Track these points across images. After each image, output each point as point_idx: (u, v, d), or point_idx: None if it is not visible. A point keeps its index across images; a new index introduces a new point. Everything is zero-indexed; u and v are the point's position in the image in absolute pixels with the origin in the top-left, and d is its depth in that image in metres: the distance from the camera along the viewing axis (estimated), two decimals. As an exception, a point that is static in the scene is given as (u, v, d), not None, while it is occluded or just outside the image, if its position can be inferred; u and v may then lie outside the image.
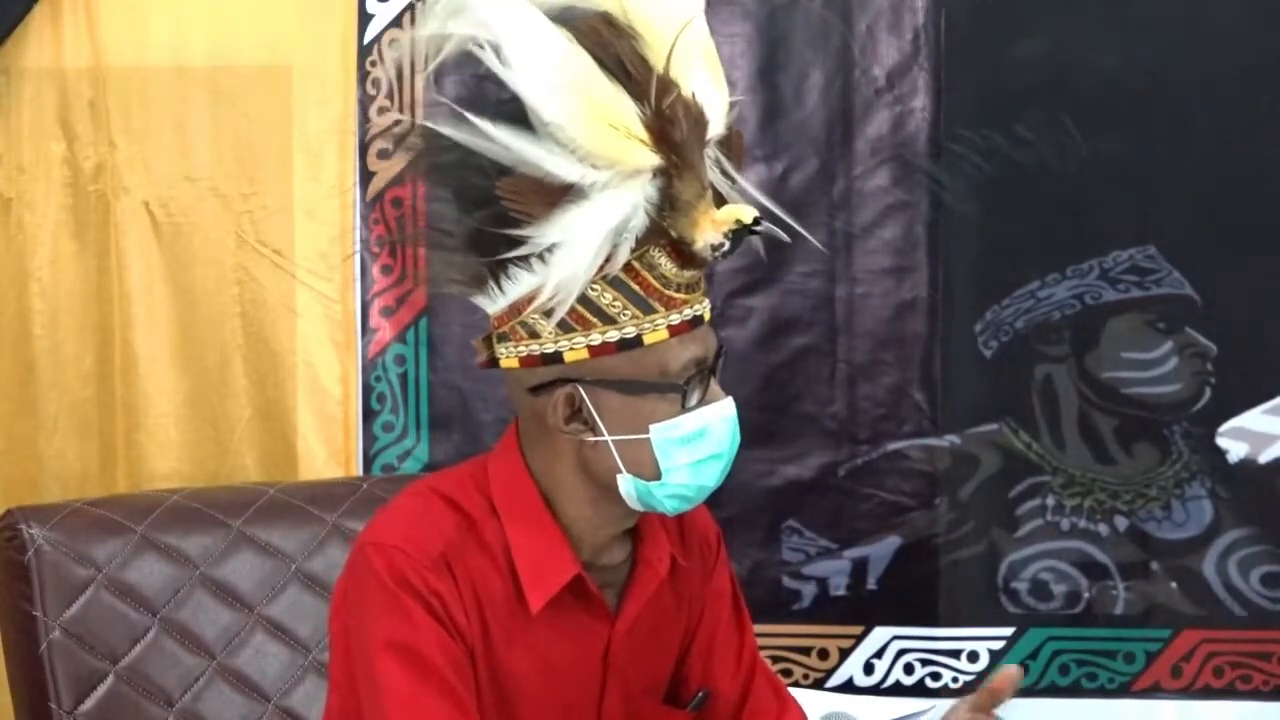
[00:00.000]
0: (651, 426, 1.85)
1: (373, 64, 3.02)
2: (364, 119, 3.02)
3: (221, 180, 3.02)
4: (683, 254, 1.84)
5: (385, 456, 3.07)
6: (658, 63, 1.82)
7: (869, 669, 3.12)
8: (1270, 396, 3.07)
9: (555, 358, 1.85)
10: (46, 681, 2.34)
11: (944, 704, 1.81)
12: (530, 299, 1.83)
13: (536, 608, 1.89)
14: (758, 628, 2.10)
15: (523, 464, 1.92)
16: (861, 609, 3.11)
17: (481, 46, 1.81)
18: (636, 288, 1.83)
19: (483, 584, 1.89)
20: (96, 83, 2.98)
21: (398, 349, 3.06)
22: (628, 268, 1.83)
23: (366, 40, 3.02)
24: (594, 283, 1.83)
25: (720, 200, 1.87)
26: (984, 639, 3.11)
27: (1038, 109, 3.04)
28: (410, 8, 3.02)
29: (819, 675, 3.12)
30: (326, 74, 3.02)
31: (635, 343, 1.84)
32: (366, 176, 3.03)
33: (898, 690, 3.11)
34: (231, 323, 3.03)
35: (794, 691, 2.14)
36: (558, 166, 1.79)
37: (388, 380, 3.06)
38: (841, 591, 3.11)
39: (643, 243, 1.82)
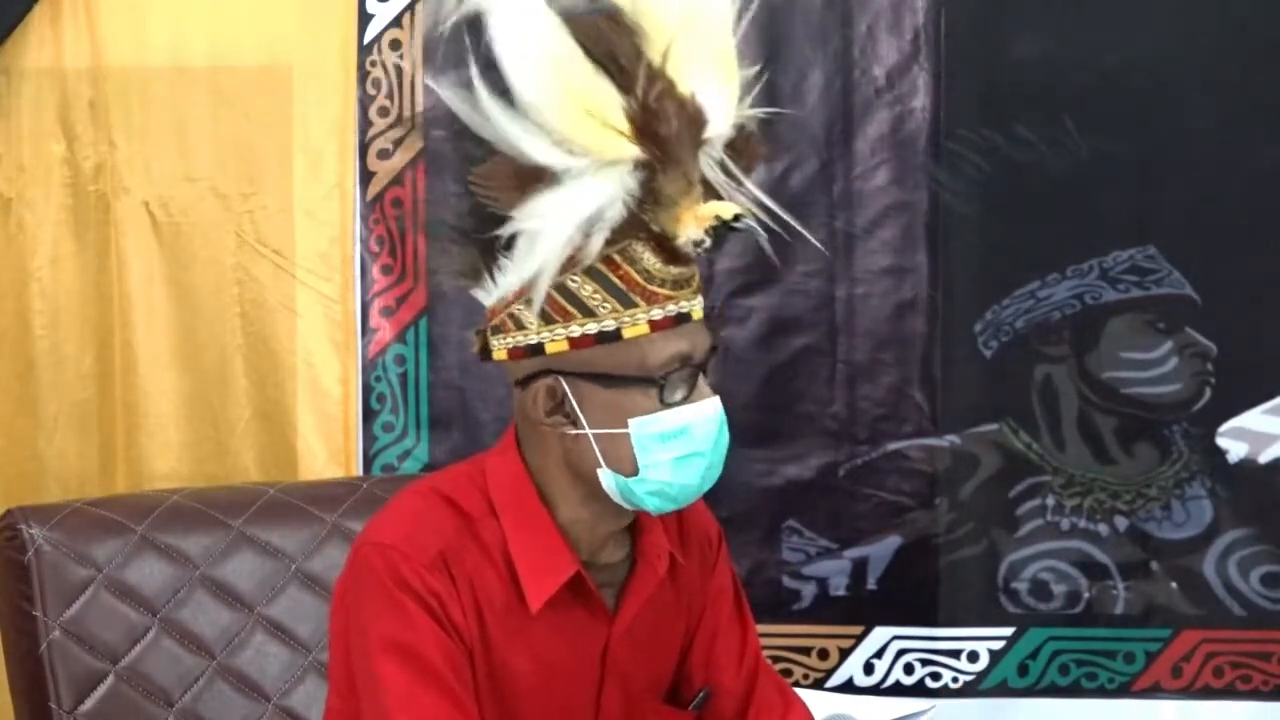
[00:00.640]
0: (630, 421, 1.84)
1: (373, 64, 3.02)
2: (364, 119, 3.02)
3: (221, 180, 3.02)
4: (666, 249, 1.83)
5: (385, 456, 3.07)
6: (655, 57, 1.82)
7: (869, 669, 3.12)
8: (1270, 396, 3.07)
9: (538, 349, 1.86)
10: (46, 681, 2.34)
11: (944, 704, 1.81)
12: (517, 291, 1.84)
13: (536, 607, 1.89)
14: (757, 628, 2.10)
15: (520, 463, 1.92)
16: (861, 609, 3.11)
17: (478, 19, 1.82)
18: (617, 281, 1.83)
19: (481, 583, 1.89)
20: (96, 83, 2.98)
21: (398, 349, 3.06)
22: (608, 260, 1.83)
23: (366, 40, 3.02)
24: (574, 274, 1.83)
25: (717, 199, 1.86)
26: (984, 639, 3.11)
27: (1038, 109, 3.04)
28: (410, 7, 3.02)
29: (819, 675, 3.12)
30: (326, 74, 3.02)
31: (614, 336, 1.84)
32: (366, 176, 3.03)
33: (898, 690, 3.11)
34: (231, 323, 3.03)
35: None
36: (533, 148, 1.80)
37: (388, 380, 3.06)
38: (841, 591, 3.11)
39: (622, 235, 1.82)
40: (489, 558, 1.89)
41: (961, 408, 3.09)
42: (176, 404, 3.03)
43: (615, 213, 1.81)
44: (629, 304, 1.83)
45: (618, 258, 1.83)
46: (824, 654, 3.12)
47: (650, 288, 1.84)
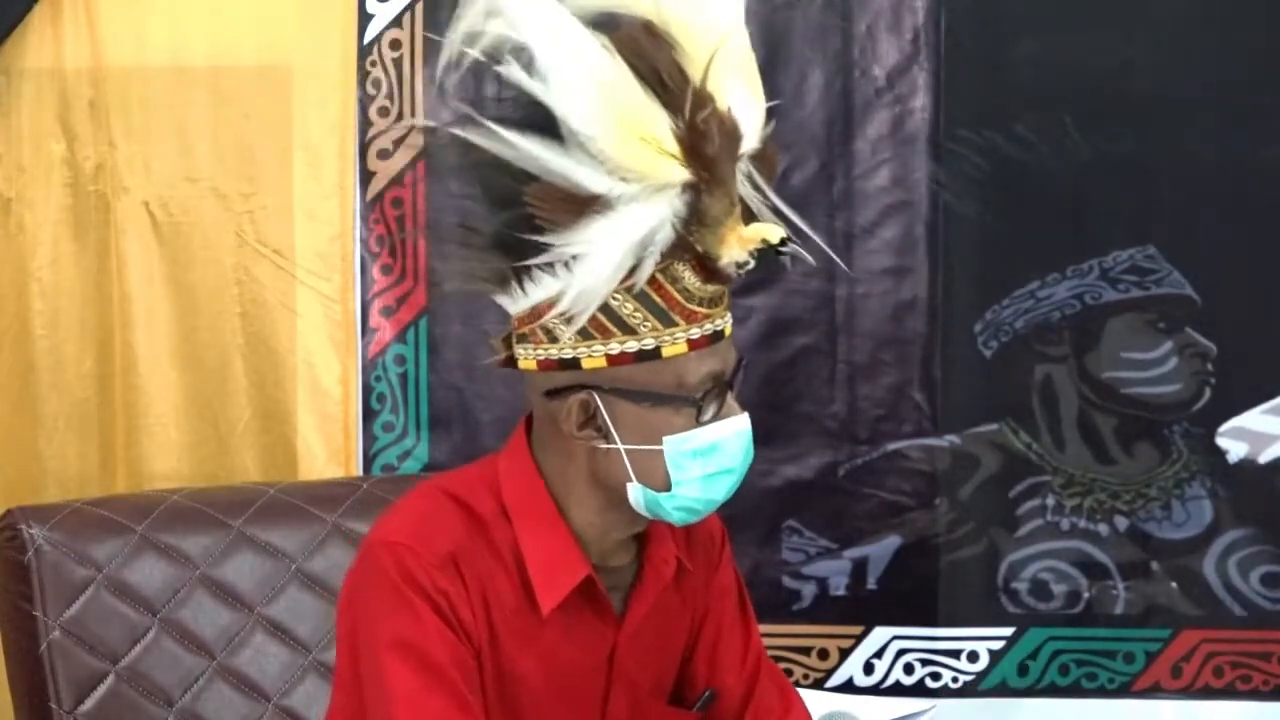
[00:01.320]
0: (665, 438, 1.84)
1: (373, 64, 3.02)
2: (364, 119, 3.02)
3: (221, 180, 3.02)
4: (707, 268, 1.83)
5: (385, 456, 3.07)
6: (695, 74, 1.80)
7: (869, 669, 3.12)
8: (1270, 396, 3.07)
9: (573, 363, 1.85)
10: (46, 681, 2.34)
11: (944, 704, 1.81)
12: (551, 303, 1.82)
13: (548, 609, 1.89)
14: (758, 627, 2.10)
15: (533, 466, 1.91)
16: (861, 609, 3.11)
17: (512, 49, 1.79)
18: (658, 300, 1.82)
19: (491, 585, 1.88)
20: (96, 83, 2.98)
21: (398, 349, 3.06)
22: (651, 280, 1.81)
23: (366, 40, 3.02)
24: (616, 293, 1.82)
25: (749, 214, 1.85)
26: (984, 639, 3.11)
27: (1038, 109, 3.04)
28: (410, 8, 3.02)
29: (819, 675, 3.12)
30: (326, 74, 3.02)
31: (654, 354, 1.83)
32: (366, 176, 3.03)
33: (898, 690, 3.11)
34: (231, 323, 3.03)
35: (793, 691, 2.14)
36: (585, 178, 1.78)
37: (388, 380, 3.06)
38: (841, 591, 3.11)
39: (668, 256, 1.81)
40: (499, 559, 1.89)
41: (961, 408, 3.09)
42: (176, 404, 3.03)
43: (665, 236, 1.80)
44: (669, 323, 1.83)
45: (660, 277, 1.82)
46: (824, 654, 3.12)
47: (689, 306, 1.83)
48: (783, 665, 3.08)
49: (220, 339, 3.03)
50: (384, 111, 3.02)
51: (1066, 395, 3.10)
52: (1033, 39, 3.04)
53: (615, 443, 1.85)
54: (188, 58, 3.00)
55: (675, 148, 1.79)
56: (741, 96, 1.84)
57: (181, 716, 2.41)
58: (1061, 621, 3.11)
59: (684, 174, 1.79)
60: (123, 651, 2.39)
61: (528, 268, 1.82)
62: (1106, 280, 3.07)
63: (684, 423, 1.84)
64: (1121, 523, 3.10)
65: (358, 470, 3.05)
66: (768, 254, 1.83)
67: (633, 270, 1.80)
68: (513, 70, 1.79)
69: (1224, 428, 3.09)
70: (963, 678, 3.11)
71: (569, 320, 1.82)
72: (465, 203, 1.94)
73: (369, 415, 3.06)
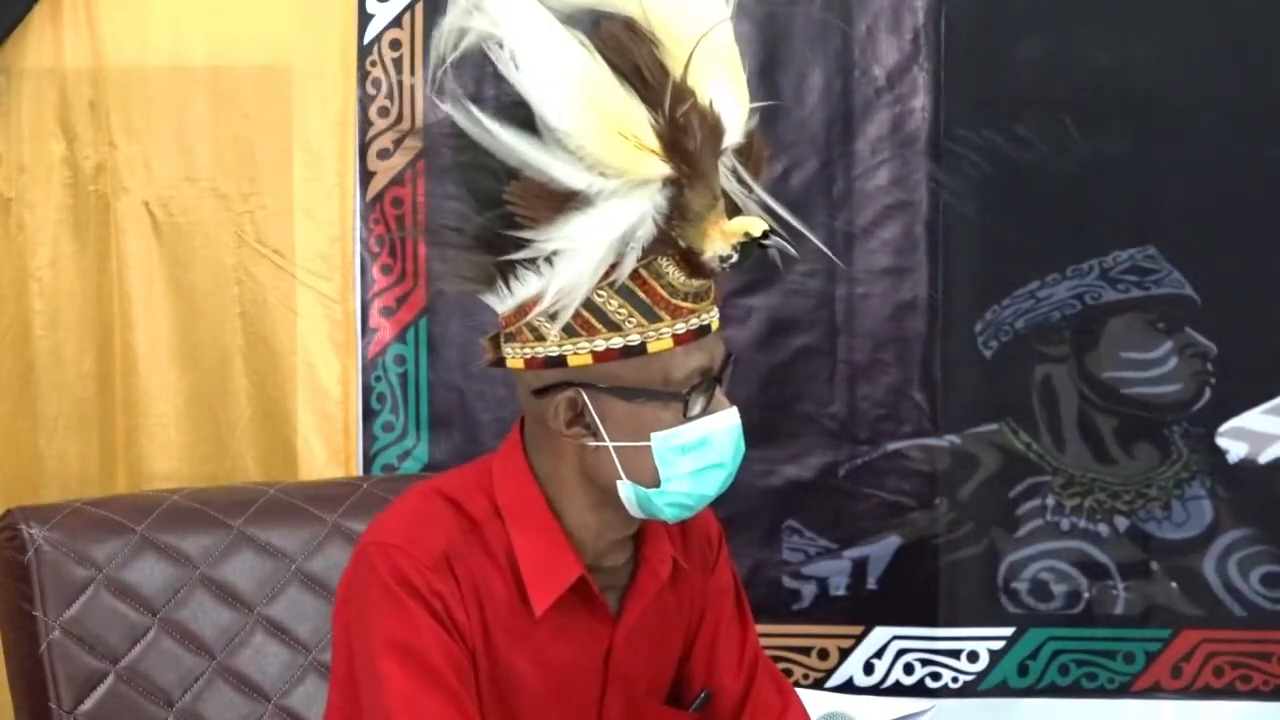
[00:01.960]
0: (653, 434, 1.84)
1: (373, 64, 3.02)
2: (364, 119, 3.02)
3: (221, 180, 3.02)
4: (691, 263, 1.83)
5: (385, 456, 3.07)
6: (676, 69, 1.80)
7: (869, 669, 3.12)
8: (1270, 396, 3.07)
9: (559, 361, 1.85)
10: (46, 681, 2.34)
11: (944, 704, 1.81)
12: (535, 301, 1.82)
13: (541, 610, 1.89)
14: (758, 627, 2.10)
15: (527, 466, 1.91)
16: (861, 609, 3.11)
17: (497, 46, 1.79)
18: (643, 295, 1.83)
19: (485, 585, 1.89)
20: (96, 83, 2.98)
21: (398, 349, 3.06)
22: (635, 275, 1.82)
23: (366, 40, 3.02)
24: (600, 289, 1.82)
25: (734, 209, 1.85)
26: (984, 639, 3.11)
27: (1038, 109, 3.04)
28: (410, 8, 3.02)
29: (819, 675, 3.12)
30: (326, 74, 3.02)
31: (639, 350, 1.83)
32: (366, 176, 3.03)
33: (898, 690, 3.11)
34: (231, 323, 3.03)
35: (793, 691, 2.14)
36: (564, 174, 1.78)
37: (388, 380, 3.06)
38: (841, 591, 3.11)
39: (650, 251, 1.81)
40: (493, 560, 1.89)
41: (961, 408, 3.09)
42: (176, 404, 3.03)
43: (646, 231, 1.80)
44: (654, 318, 1.83)
45: (644, 272, 1.82)
46: (824, 654, 3.12)
47: (674, 301, 1.83)
48: (782, 665, 3.08)
49: (220, 339, 3.03)
50: (384, 111, 3.02)
51: (1066, 395, 3.10)
52: (1033, 39, 3.04)
53: (604, 440, 1.85)
54: (188, 58, 3.00)
55: (655, 143, 1.79)
56: (725, 91, 1.84)
57: (181, 716, 2.41)
58: (1061, 621, 3.11)
59: (664, 169, 1.79)
60: (123, 651, 2.39)
61: (512, 266, 1.83)
62: (1106, 280, 3.07)
63: (671, 418, 1.84)
64: (1121, 523, 3.10)
65: (358, 470, 3.05)
66: (751, 248, 1.82)
67: (614, 266, 1.80)
68: (499, 59, 1.79)
69: (1224, 428, 3.08)
70: (963, 678, 3.11)
71: (553, 317, 1.82)
72: (447, 202, 1.94)
73: (369, 415, 3.06)
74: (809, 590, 3.11)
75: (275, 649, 2.47)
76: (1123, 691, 3.12)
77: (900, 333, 3.08)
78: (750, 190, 1.87)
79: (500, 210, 1.81)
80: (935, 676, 3.11)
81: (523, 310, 1.85)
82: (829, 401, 3.09)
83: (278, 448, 3.04)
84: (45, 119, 2.99)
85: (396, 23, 3.02)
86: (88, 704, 2.35)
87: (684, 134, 1.79)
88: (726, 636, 2.05)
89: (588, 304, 1.82)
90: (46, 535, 2.37)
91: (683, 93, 1.80)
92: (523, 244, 1.80)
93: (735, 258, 1.82)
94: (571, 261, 1.80)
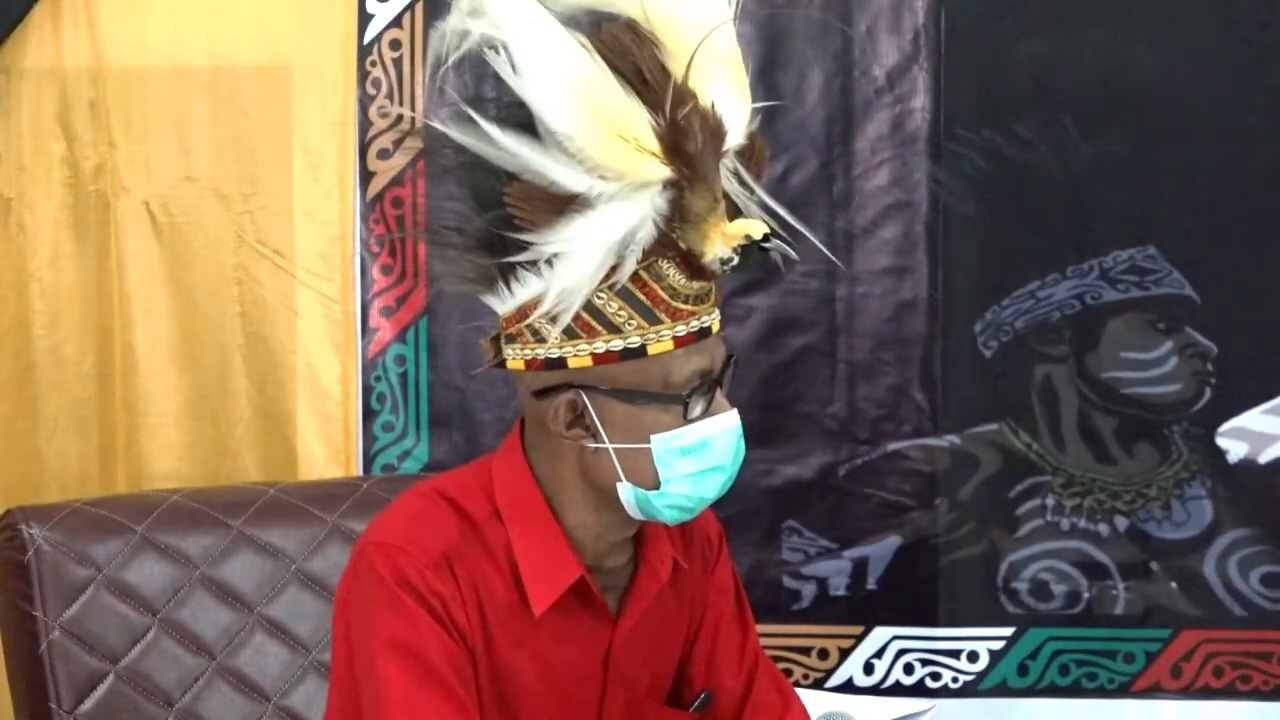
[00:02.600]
0: (653, 436, 1.84)
1: (373, 64, 3.02)
2: (364, 119, 3.02)
3: (221, 180, 3.02)
4: (692, 265, 1.82)
5: (385, 456, 3.07)
6: (678, 71, 1.80)
7: (869, 669, 3.12)
8: (1270, 396, 3.07)
9: (559, 363, 1.85)
10: (46, 681, 2.34)
11: (944, 704, 1.81)
12: (536, 303, 1.82)
13: (540, 610, 1.89)
14: (758, 627, 2.10)
15: (527, 467, 1.91)
16: (861, 609, 3.11)
17: (495, 49, 1.79)
18: (643, 298, 1.82)
19: (484, 585, 1.88)
20: (96, 83, 2.98)
21: (398, 349, 3.06)
22: (635, 278, 1.81)
23: (366, 40, 3.02)
24: (600, 291, 1.81)
25: (735, 210, 1.85)
26: (984, 639, 3.11)
27: (1038, 109, 3.04)
28: (410, 8, 3.02)
29: (819, 675, 3.12)
30: (326, 74, 3.02)
31: (639, 352, 1.83)
32: (366, 176, 3.03)
33: (898, 690, 3.11)
34: (231, 323, 3.03)
35: (792, 691, 2.14)
36: (563, 176, 1.78)
37: (388, 380, 3.06)
38: (841, 591, 3.11)
39: (651, 254, 1.81)
40: (493, 560, 1.89)
41: (961, 408, 3.09)
42: (176, 404, 3.04)
43: (646, 233, 1.80)
44: (654, 320, 1.83)
45: (644, 274, 1.82)
46: (824, 654, 3.12)
47: (675, 304, 1.83)
48: (782, 665, 3.08)
49: (220, 339, 3.03)
50: (384, 111, 3.02)
51: (1066, 395, 3.10)
52: (1033, 39, 3.04)
53: (604, 442, 1.85)
54: (188, 58, 3.00)
55: (655, 145, 1.78)
56: (727, 93, 1.83)
57: (181, 716, 2.41)
58: (1061, 621, 3.11)
59: (664, 171, 1.79)
60: (123, 651, 2.39)
61: (513, 268, 1.82)
62: (1106, 280, 3.07)
63: (671, 420, 1.84)
64: (1121, 523, 3.10)
65: (358, 470, 3.05)
66: (752, 250, 1.82)
67: (615, 268, 1.80)
68: (499, 62, 1.79)
69: (1224, 428, 3.09)
70: (963, 678, 3.11)
71: (553, 320, 1.82)
72: (448, 203, 1.93)
73: (369, 415, 3.06)
74: (809, 590, 3.11)
75: (275, 649, 2.47)
76: (1123, 691, 3.12)
77: (900, 333, 3.08)
78: (751, 192, 1.87)
79: (500, 212, 1.81)
80: (935, 676, 3.11)
81: (523, 312, 1.84)
82: (829, 401, 3.10)
83: (278, 448, 3.04)
84: (45, 119, 2.99)
85: (396, 23, 3.02)
86: (88, 704, 2.35)
87: (685, 136, 1.78)
88: (727, 637, 2.05)
89: (588, 306, 1.82)
90: (46, 535, 2.37)
91: (684, 95, 1.80)
92: (523, 246, 1.80)
93: (736, 260, 1.82)
94: (571, 264, 1.79)
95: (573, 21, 1.82)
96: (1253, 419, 3.08)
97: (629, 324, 1.83)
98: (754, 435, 3.10)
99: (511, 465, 1.92)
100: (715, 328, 1.87)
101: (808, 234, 1.89)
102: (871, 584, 3.10)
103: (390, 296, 3.05)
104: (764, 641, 2.11)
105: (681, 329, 1.84)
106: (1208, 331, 3.07)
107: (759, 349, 3.06)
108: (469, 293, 1.89)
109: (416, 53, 3.02)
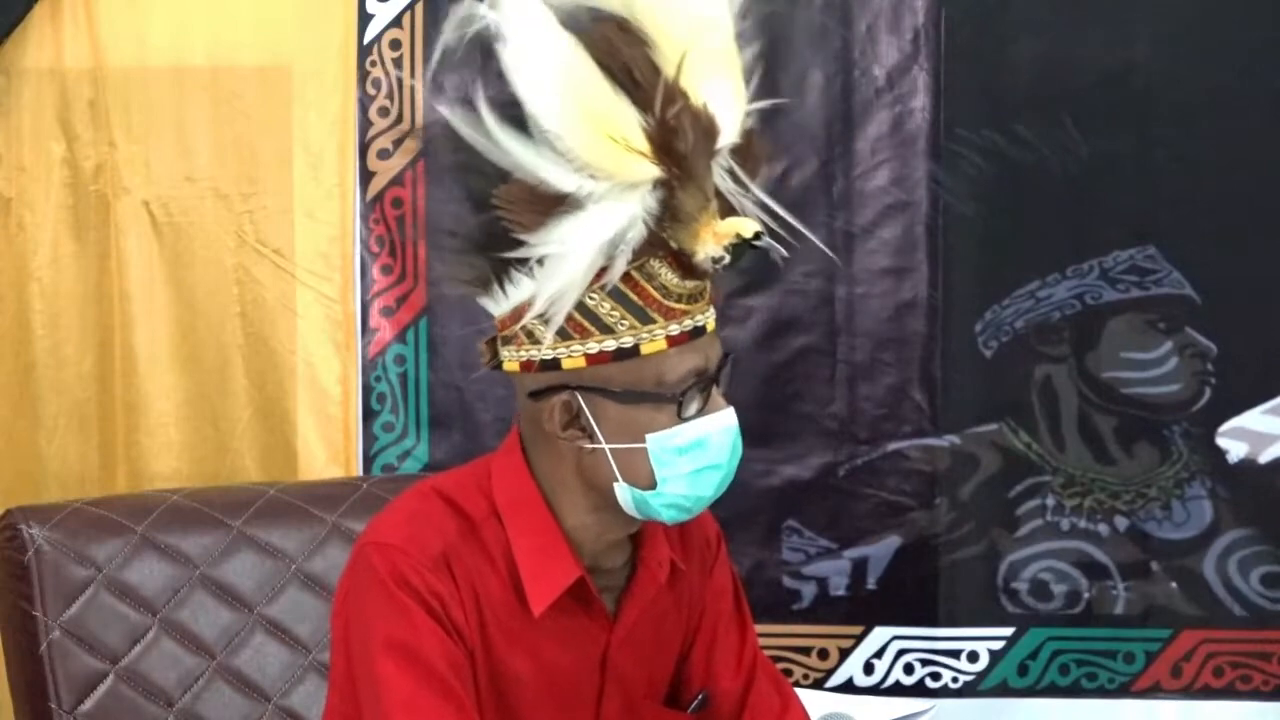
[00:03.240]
0: (648, 436, 1.84)
1: (373, 64, 3.02)
2: (364, 119, 3.02)
3: (221, 180, 3.02)
4: (683, 265, 1.82)
5: (385, 456, 3.07)
6: (669, 70, 1.80)
7: (869, 669, 3.12)
8: (1270, 396, 3.08)
9: (554, 364, 1.85)
10: (46, 681, 2.34)
11: (944, 704, 1.81)
12: (530, 305, 1.82)
13: (539, 610, 1.88)
14: (758, 627, 2.10)
15: (525, 467, 1.91)
16: (861, 609, 3.11)
17: (501, 41, 1.79)
18: (635, 298, 1.82)
19: (482, 585, 1.88)
20: (96, 83, 2.98)
21: (398, 349, 3.06)
22: (626, 278, 1.81)
23: (366, 40, 3.02)
24: (592, 292, 1.81)
25: (729, 209, 1.85)
26: (984, 639, 3.11)
27: (1038, 109, 3.04)
28: (410, 8, 3.02)
29: (819, 675, 3.12)
30: (326, 74, 3.02)
31: (632, 353, 1.83)
32: (366, 176, 3.03)
33: (898, 690, 3.11)
34: (231, 323, 3.03)
35: (792, 691, 2.14)
36: (553, 175, 1.78)
37: (388, 380, 3.06)
38: (841, 591, 3.11)
39: (642, 254, 1.81)
40: (491, 560, 1.89)
41: (961, 408, 3.09)
42: (176, 404, 3.04)
43: (636, 233, 1.79)
44: (647, 320, 1.83)
45: (636, 275, 1.82)
46: (824, 654, 3.12)
47: (667, 303, 1.83)
48: (782, 665, 3.08)
49: (220, 339, 3.03)
50: (384, 111, 3.03)
51: (1066, 395, 3.10)
52: (1033, 39, 3.04)
53: (599, 442, 1.85)
54: (188, 58, 3.00)
55: (645, 145, 1.78)
56: (721, 91, 1.83)
57: (181, 716, 2.41)
58: (1061, 621, 3.11)
59: (654, 171, 1.78)
60: (123, 651, 2.39)
61: (506, 269, 1.82)
62: (1106, 280, 3.07)
63: (666, 420, 1.84)
64: (1121, 523, 3.10)
65: (358, 470, 3.05)
66: (744, 249, 1.82)
67: (606, 269, 1.80)
68: (502, 54, 1.79)
69: (1224, 428, 3.09)
70: (963, 678, 3.11)
71: (545, 322, 1.82)
72: (453, 206, 1.94)
73: (369, 415, 3.06)
74: (809, 590, 3.11)
75: (275, 649, 2.47)
76: (1123, 691, 3.12)
77: (900, 333, 3.08)
78: (747, 190, 1.86)
79: (493, 213, 1.81)
80: (935, 676, 3.11)
81: (517, 314, 1.84)
82: (829, 401, 3.10)
83: (278, 448, 3.04)
84: (45, 119, 2.99)
85: (396, 23, 3.02)
86: (88, 704, 2.35)
87: (675, 136, 1.78)
88: (725, 638, 2.05)
89: (580, 307, 1.82)
90: (46, 535, 2.37)
91: (674, 94, 1.79)
92: (513, 248, 1.80)
93: (728, 259, 1.81)
94: (561, 266, 1.79)
95: (565, 19, 1.82)
96: (1253, 419, 3.08)
97: (621, 324, 1.82)
98: (754, 435, 3.10)
99: (510, 466, 1.92)
100: (710, 326, 1.87)
101: (805, 231, 1.89)
102: (871, 584, 3.10)
103: (390, 296, 3.05)
104: (764, 642, 2.11)
105: (675, 328, 1.83)
106: (1208, 331, 3.07)
107: (759, 349, 3.06)
108: (466, 294, 1.89)
109: (417, 53, 3.02)
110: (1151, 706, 3.12)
